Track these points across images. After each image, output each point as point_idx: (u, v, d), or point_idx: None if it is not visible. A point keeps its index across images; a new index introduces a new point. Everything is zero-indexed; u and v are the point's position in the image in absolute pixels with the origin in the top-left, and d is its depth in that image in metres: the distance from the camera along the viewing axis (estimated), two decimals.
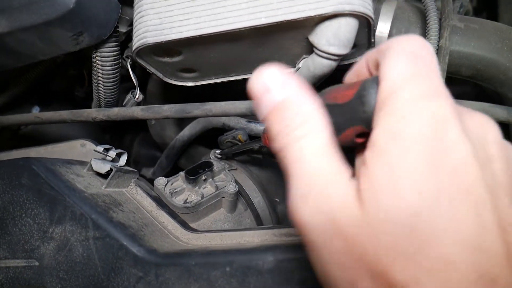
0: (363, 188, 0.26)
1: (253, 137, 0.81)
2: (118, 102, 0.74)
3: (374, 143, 0.27)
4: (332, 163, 0.28)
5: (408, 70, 0.27)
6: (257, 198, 0.75)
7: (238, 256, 0.51)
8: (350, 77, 0.35)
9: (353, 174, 0.28)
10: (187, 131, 0.87)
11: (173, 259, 0.54)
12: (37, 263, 0.58)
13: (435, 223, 0.24)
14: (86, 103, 0.93)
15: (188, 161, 0.94)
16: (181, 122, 0.94)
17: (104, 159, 0.65)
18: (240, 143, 0.78)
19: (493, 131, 0.28)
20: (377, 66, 0.30)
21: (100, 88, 0.69)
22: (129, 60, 0.72)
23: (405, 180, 0.25)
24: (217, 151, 0.79)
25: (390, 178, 0.25)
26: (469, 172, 0.25)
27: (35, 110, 0.93)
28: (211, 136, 0.90)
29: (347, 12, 0.50)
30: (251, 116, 0.81)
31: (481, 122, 0.29)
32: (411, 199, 0.25)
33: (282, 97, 0.29)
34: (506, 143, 0.29)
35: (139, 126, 1.08)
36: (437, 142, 0.25)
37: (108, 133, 1.09)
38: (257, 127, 0.81)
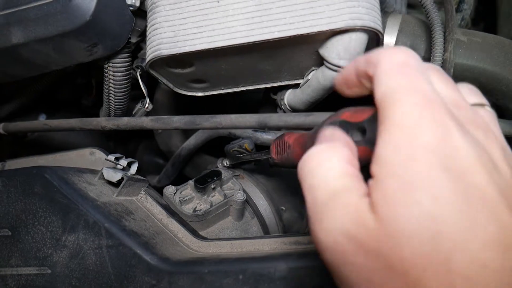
0: (375, 201, 0.26)
1: (260, 146, 0.82)
2: (127, 111, 0.75)
3: (379, 156, 0.27)
4: (346, 186, 0.28)
5: (401, 83, 0.28)
6: (264, 207, 0.76)
7: (250, 264, 0.52)
8: (339, 82, 0.36)
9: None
10: (193, 139, 0.88)
11: (185, 267, 0.55)
12: (49, 271, 0.58)
13: (458, 227, 0.24)
14: (93, 111, 0.94)
15: (194, 169, 0.95)
16: (187, 130, 0.95)
17: (115, 167, 0.66)
18: (246, 152, 0.79)
19: (496, 140, 0.29)
20: (367, 77, 0.32)
21: (110, 98, 0.70)
22: (139, 70, 0.73)
23: (417, 187, 0.25)
24: (224, 160, 0.80)
25: (400, 187, 0.25)
26: (478, 174, 0.25)
27: (42, 118, 0.94)
28: (216, 145, 0.91)
29: (358, 27, 0.51)
30: None
31: (483, 131, 0.29)
32: (427, 204, 0.24)
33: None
34: (506, 145, 0.30)
35: (143, 133, 1.09)
36: (441, 148, 0.25)
37: (112, 140, 1.10)
38: (263, 136, 0.83)
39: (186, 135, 0.94)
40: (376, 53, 0.31)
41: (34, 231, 0.60)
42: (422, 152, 0.25)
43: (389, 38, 0.69)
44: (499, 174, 0.27)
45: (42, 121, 0.70)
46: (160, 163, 1.16)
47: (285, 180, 0.83)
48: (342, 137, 0.32)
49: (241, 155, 0.78)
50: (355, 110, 0.35)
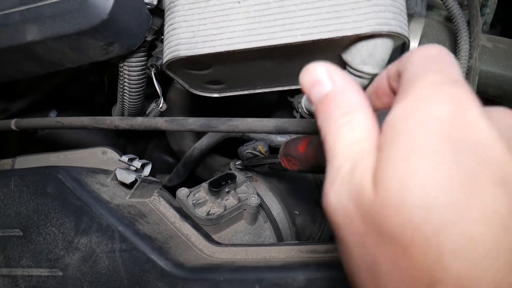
0: (377, 167, 0.26)
1: (274, 148, 0.81)
2: (141, 110, 0.74)
3: (388, 123, 0.27)
4: (361, 152, 0.28)
5: (428, 64, 0.28)
6: (277, 211, 0.75)
7: (267, 273, 0.51)
8: (370, 90, 0.36)
9: None
10: (205, 140, 0.87)
11: (200, 274, 0.53)
12: (61, 273, 0.57)
13: (454, 200, 0.23)
14: (105, 108, 0.93)
15: (205, 170, 0.94)
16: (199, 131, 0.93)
17: (128, 169, 0.65)
18: (260, 154, 0.78)
19: None
20: (398, 76, 0.31)
21: (125, 97, 0.69)
22: (153, 69, 0.72)
23: (418, 156, 0.24)
24: (237, 162, 0.79)
25: (402, 154, 0.25)
26: (493, 150, 0.24)
27: (53, 115, 0.93)
28: (228, 146, 0.90)
29: (384, 32, 0.50)
30: None
31: (504, 114, 0.28)
32: (425, 174, 0.24)
33: (329, 88, 0.31)
34: None
35: (154, 132, 1.08)
36: (455, 121, 0.24)
37: (122, 137, 1.09)
38: (277, 139, 0.81)
39: (198, 135, 0.92)
40: (407, 53, 0.30)
41: (46, 232, 0.59)
42: (432, 122, 0.25)
43: (411, 43, 0.67)
44: None
45: (54, 118, 0.69)
46: (170, 162, 1.15)
47: (298, 183, 0.81)
48: (369, 109, 0.31)
49: (255, 158, 0.77)
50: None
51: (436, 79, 0.26)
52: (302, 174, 0.83)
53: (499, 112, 0.28)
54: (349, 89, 0.31)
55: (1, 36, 0.58)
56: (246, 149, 0.78)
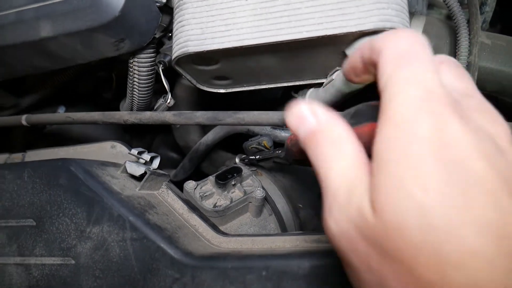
0: (372, 194, 0.27)
1: (278, 143, 0.82)
2: (149, 105, 0.75)
3: (375, 152, 0.28)
4: (354, 179, 0.29)
5: (402, 73, 0.28)
6: (281, 204, 0.77)
7: (273, 261, 0.53)
8: (347, 71, 0.36)
9: None
10: (211, 135, 0.88)
11: (208, 262, 0.55)
12: (73, 262, 0.59)
13: (448, 216, 0.24)
14: (112, 104, 0.95)
15: (210, 165, 0.96)
16: (205, 126, 0.95)
17: (137, 162, 0.67)
18: (265, 149, 0.79)
19: (503, 127, 0.29)
20: (372, 63, 0.32)
21: (134, 92, 0.70)
22: (161, 65, 0.74)
23: (408, 181, 0.25)
24: (242, 157, 0.81)
25: (393, 182, 0.26)
26: (476, 162, 0.25)
27: (61, 110, 0.95)
28: (233, 141, 0.92)
29: (387, 29, 0.51)
30: None
31: (491, 118, 0.29)
32: (418, 196, 0.25)
33: (315, 123, 0.33)
34: None
35: (160, 127, 1.10)
36: (436, 140, 0.25)
37: (129, 133, 1.11)
38: (281, 134, 0.83)
39: (204, 131, 0.94)
40: (380, 38, 0.31)
41: (59, 222, 0.61)
42: (415, 147, 0.26)
43: None
44: (505, 160, 0.26)
45: (64, 113, 0.71)
46: (175, 157, 1.17)
47: (302, 177, 0.83)
48: (352, 139, 0.32)
49: (260, 152, 0.78)
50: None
51: (412, 93, 0.27)
52: (305, 169, 0.85)
53: (482, 117, 0.29)
54: (333, 122, 0.32)
55: (15, 32, 0.60)
56: (251, 144, 0.80)
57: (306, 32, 0.53)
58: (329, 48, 0.57)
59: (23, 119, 0.81)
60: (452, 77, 0.31)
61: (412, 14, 0.73)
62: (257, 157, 0.78)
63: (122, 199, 0.60)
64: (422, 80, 0.27)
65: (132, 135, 1.12)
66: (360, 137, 0.33)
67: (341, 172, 0.30)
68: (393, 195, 0.26)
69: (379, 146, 0.28)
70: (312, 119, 0.33)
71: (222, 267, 0.54)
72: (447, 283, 0.24)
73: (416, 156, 0.25)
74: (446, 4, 0.64)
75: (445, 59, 0.33)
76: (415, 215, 0.25)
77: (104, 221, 0.59)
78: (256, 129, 0.85)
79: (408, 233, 0.25)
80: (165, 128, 1.02)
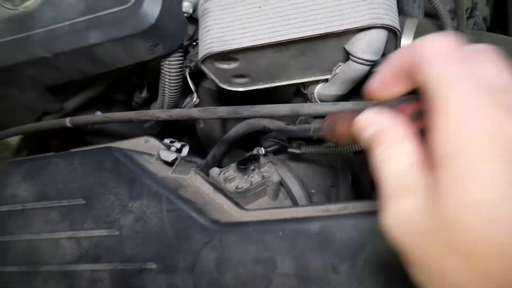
0: (435, 193, 0.29)
1: (291, 138, 0.92)
2: (178, 104, 0.87)
3: (436, 149, 0.29)
4: (414, 177, 0.31)
5: (449, 71, 0.29)
6: (296, 189, 0.86)
7: (288, 224, 0.62)
8: (375, 86, 0.38)
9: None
10: (232, 133, 0.99)
11: (233, 228, 0.65)
12: (117, 232, 0.69)
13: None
14: (142, 109, 1.07)
15: (230, 161, 1.06)
16: (224, 126, 1.06)
17: (169, 150, 0.77)
18: (280, 142, 0.89)
19: None
20: (409, 71, 0.33)
21: (165, 91, 0.82)
22: (187, 69, 0.85)
23: (472, 176, 0.26)
24: (259, 149, 0.90)
25: (456, 177, 0.27)
26: None
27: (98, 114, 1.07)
28: (250, 141, 1.02)
29: (378, 25, 0.62)
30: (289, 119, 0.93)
31: None
32: (481, 192, 0.26)
33: (378, 127, 0.36)
34: None
35: (184, 131, 1.21)
36: (496, 135, 0.26)
37: (156, 136, 1.22)
38: (293, 129, 0.93)
39: (224, 131, 1.05)
40: (415, 45, 0.32)
41: (105, 199, 0.71)
42: (476, 142, 0.26)
43: (406, 40, 0.79)
44: None
45: (103, 114, 0.82)
46: (198, 162, 1.27)
47: (314, 167, 0.92)
48: (412, 141, 0.33)
49: (276, 145, 0.88)
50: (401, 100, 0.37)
51: (466, 89, 0.28)
52: (317, 159, 0.94)
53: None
54: (394, 125, 0.34)
55: (68, 40, 0.72)
56: (268, 137, 0.90)
57: (311, 31, 0.64)
58: (331, 44, 0.68)
59: (67, 121, 0.92)
60: (491, 69, 0.31)
61: (405, 16, 0.83)
62: (273, 147, 0.88)
63: (158, 179, 0.71)
64: (468, 77, 0.28)
65: (160, 139, 1.23)
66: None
67: (402, 169, 0.32)
68: (456, 191, 0.27)
69: (438, 142, 0.28)
70: (375, 123, 0.36)
71: (244, 230, 0.64)
72: None
73: (478, 152, 0.26)
74: (432, 4, 0.74)
75: (478, 49, 0.32)
76: (479, 210, 0.26)
77: (143, 197, 0.69)
78: (271, 125, 0.95)
79: (472, 227, 0.26)
80: (190, 131, 1.12)
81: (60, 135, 1.05)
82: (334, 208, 0.67)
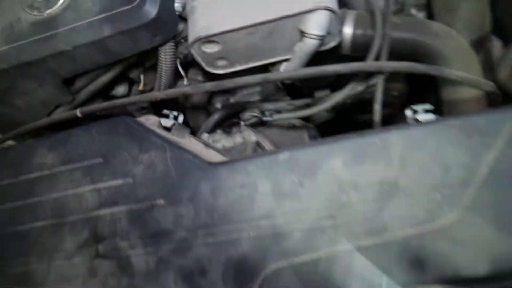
0: None
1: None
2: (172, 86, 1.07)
3: None
4: None
5: None
6: (269, 148, 1.06)
7: (265, 156, 0.82)
8: None
9: None
10: (216, 115, 1.19)
11: (221, 164, 0.84)
12: (131, 180, 0.88)
13: None
14: None
15: None
16: (208, 110, 1.27)
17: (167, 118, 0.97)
18: (260, 115, 1.10)
19: None
20: None
21: (162, 75, 1.02)
22: (179, 59, 1.06)
23: None
24: (240, 122, 1.11)
25: None
26: None
27: None
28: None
29: (322, 7, 0.84)
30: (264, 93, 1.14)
31: None
32: None
33: None
34: None
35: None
36: None
37: None
38: (268, 107, 1.14)
39: (208, 114, 1.25)
40: None
41: (119, 155, 0.90)
42: None
43: (347, 29, 1.02)
44: None
45: (110, 102, 1.02)
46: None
47: (284, 132, 1.13)
48: None
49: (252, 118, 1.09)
50: None
51: None
52: (287, 128, 1.15)
53: None
54: None
55: (86, 34, 0.92)
56: (247, 112, 1.11)
57: (273, 15, 0.86)
58: (289, 26, 0.90)
59: (78, 111, 1.11)
60: None
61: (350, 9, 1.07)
62: (251, 121, 1.09)
63: (162, 137, 0.90)
64: None
65: None
66: None
67: None
68: None
69: None
70: None
71: (231, 165, 0.83)
72: None
73: None
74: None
75: None
76: None
77: (151, 150, 0.88)
78: (245, 103, 1.16)
79: None
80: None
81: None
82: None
